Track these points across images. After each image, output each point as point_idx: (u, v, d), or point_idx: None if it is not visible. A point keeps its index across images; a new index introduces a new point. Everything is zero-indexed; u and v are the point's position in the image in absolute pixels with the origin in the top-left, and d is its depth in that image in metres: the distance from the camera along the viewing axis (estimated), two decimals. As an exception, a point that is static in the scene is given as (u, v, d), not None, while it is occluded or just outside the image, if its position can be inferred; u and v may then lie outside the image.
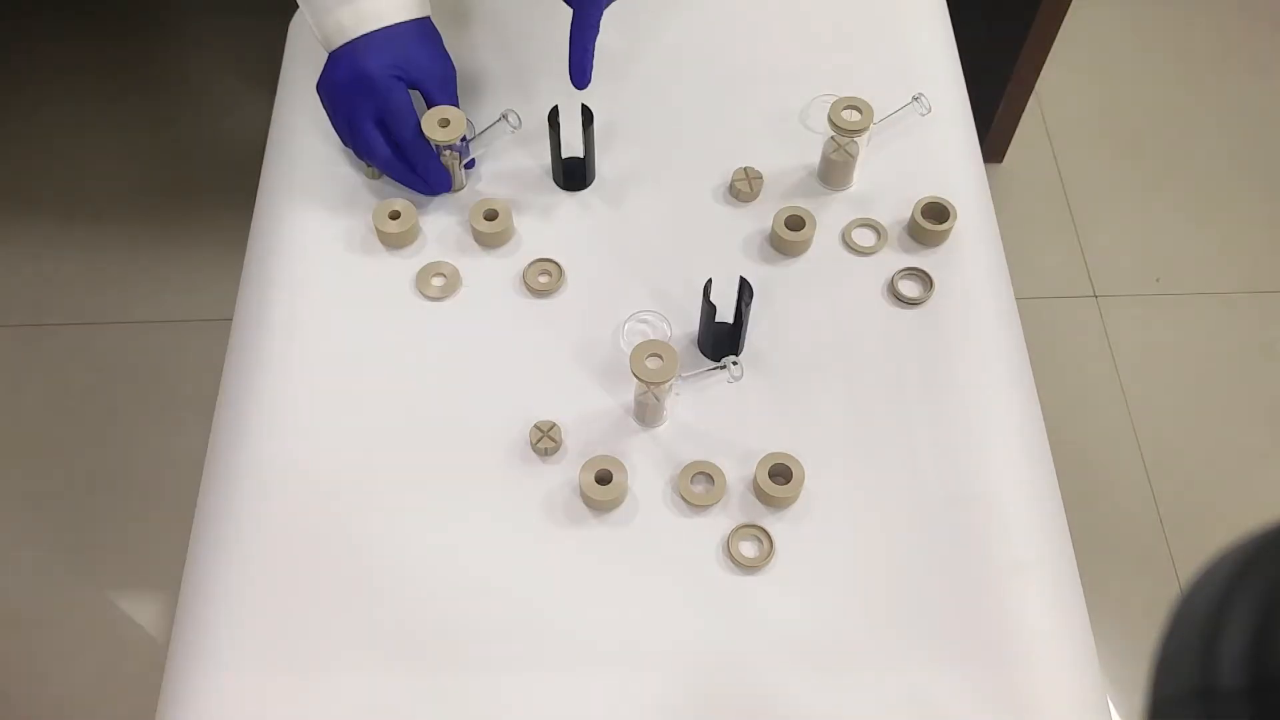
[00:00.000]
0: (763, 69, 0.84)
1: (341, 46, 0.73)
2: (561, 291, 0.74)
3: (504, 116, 0.77)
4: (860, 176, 0.78)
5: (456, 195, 0.78)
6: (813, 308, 0.73)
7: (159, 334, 1.50)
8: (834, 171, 0.77)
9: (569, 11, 0.71)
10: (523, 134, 0.79)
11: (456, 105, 0.75)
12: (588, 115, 0.74)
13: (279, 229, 0.77)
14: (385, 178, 0.78)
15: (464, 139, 0.74)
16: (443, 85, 0.75)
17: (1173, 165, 1.66)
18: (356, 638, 0.62)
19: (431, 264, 0.74)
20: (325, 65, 0.74)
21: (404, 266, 0.74)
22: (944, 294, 0.73)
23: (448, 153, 0.75)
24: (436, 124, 0.73)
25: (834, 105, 0.74)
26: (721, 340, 0.70)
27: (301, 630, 0.62)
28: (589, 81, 0.73)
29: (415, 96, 0.75)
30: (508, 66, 0.84)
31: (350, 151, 0.78)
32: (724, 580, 0.64)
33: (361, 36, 0.72)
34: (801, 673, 0.61)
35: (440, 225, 0.76)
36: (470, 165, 0.78)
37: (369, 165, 0.77)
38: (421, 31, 0.74)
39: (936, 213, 0.75)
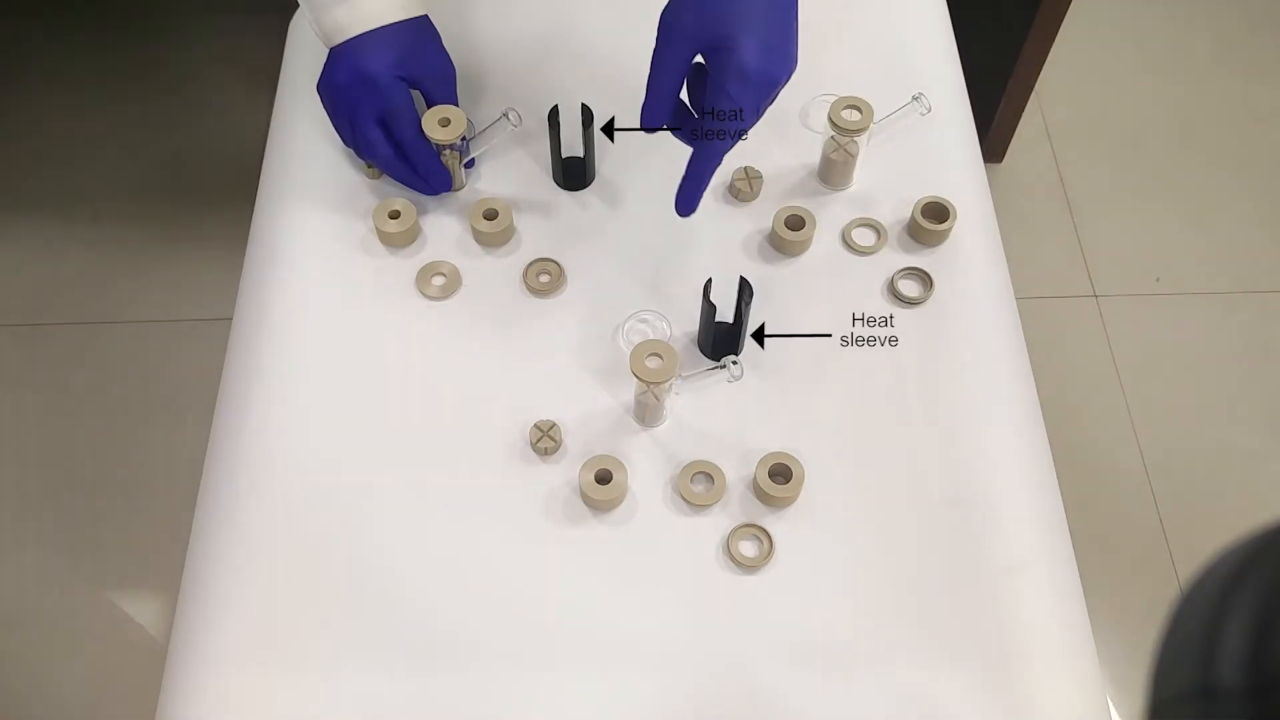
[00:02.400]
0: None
1: (342, 45, 0.73)
2: (561, 291, 0.74)
3: (504, 115, 0.77)
4: (860, 176, 0.78)
5: (456, 195, 0.78)
6: (813, 308, 0.73)
7: (159, 334, 1.50)
8: (834, 171, 0.77)
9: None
10: (523, 134, 0.79)
11: (456, 104, 0.75)
12: (588, 115, 0.74)
13: (279, 229, 0.77)
14: (385, 177, 0.78)
15: (464, 138, 0.74)
16: (443, 84, 0.75)
17: (1172, 165, 1.66)
18: (356, 637, 0.62)
19: (431, 264, 0.74)
20: (325, 65, 0.74)
21: (404, 266, 0.74)
22: (944, 294, 0.73)
23: (448, 152, 0.75)
24: (437, 123, 0.73)
25: (834, 105, 0.74)
26: (721, 340, 0.70)
27: (301, 630, 0.62)
28: (693, 212, 0.68)
29: (415, 96, 0.75)
30: (508, 66, 0.84)
31: (350, 151, 0.78)
32: (724, 580, 0.64)
33: (361, 35, 0.72)
34: (801, 673, 0.61)
35: (440, 225, 0.76)
36: (470, 165, 0.78)
37: (369, 165, 0.77)
38: (420, 30, 0.74)
39: (936, 213, 0.75)
